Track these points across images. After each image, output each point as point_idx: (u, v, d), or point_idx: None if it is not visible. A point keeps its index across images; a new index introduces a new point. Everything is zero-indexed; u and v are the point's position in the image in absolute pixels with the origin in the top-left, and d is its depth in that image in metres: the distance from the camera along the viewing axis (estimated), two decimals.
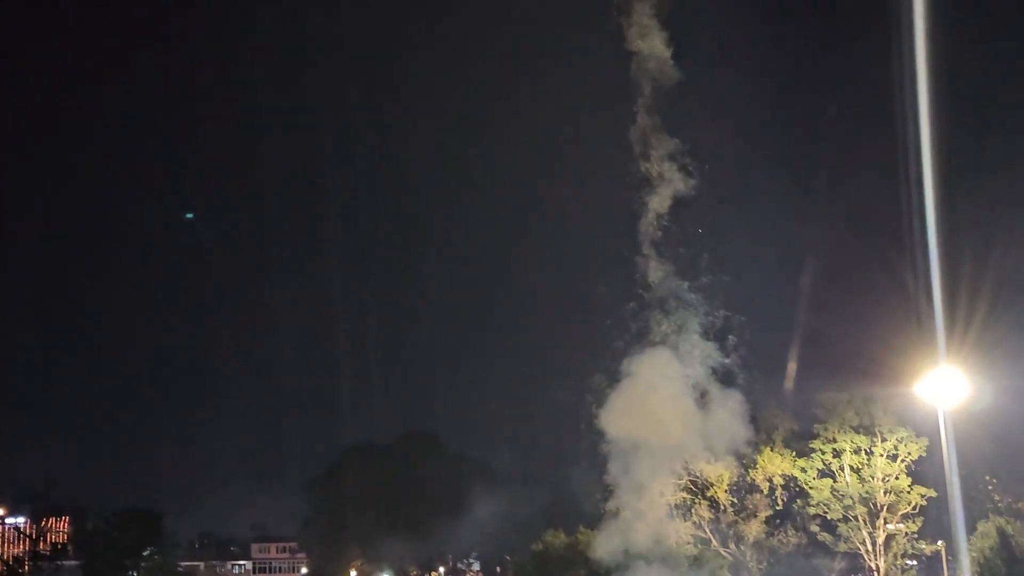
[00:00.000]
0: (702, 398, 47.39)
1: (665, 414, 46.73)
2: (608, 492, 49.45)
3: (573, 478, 55.99)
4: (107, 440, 62.50)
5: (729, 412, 47.46)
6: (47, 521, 74.43)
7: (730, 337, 48.82)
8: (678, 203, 49.48)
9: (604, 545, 48.02)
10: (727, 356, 48.38)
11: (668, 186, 49.35)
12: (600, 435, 50.62)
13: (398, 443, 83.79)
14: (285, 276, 64.46)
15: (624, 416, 47.12)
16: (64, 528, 79.23)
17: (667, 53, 48.67)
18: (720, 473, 55.43)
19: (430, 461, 78.19)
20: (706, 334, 48.50)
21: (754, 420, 53.23)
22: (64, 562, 71.13)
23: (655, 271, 49.57)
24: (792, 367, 53.57)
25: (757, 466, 56.55)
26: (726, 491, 56.30)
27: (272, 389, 63.00)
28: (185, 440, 62.62)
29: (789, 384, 55.28)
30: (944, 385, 44.23)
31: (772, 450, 57.04)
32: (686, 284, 48.88)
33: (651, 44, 48.93)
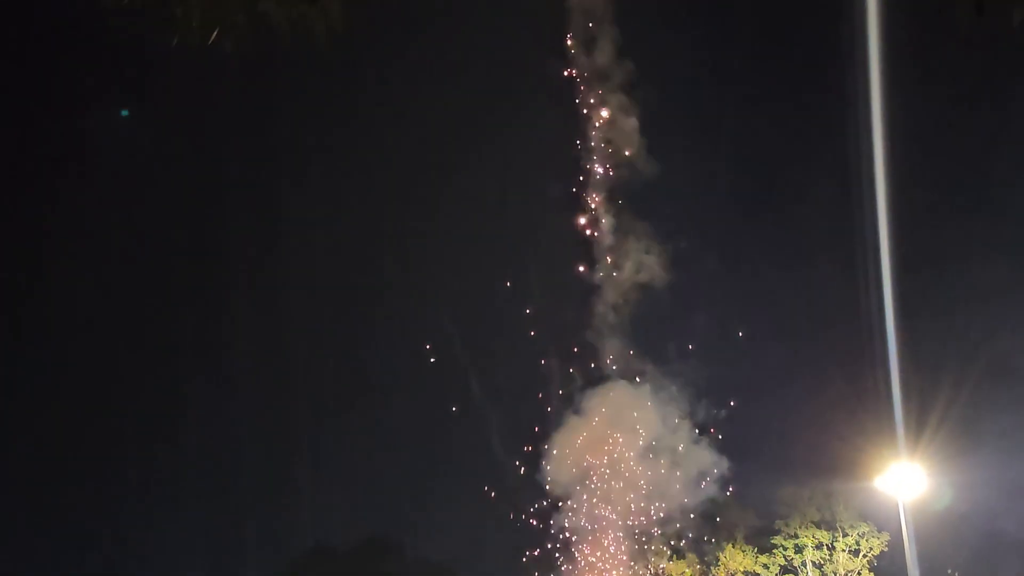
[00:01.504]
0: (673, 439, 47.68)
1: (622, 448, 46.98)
2: None
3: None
4: (65, 537, 60.40)
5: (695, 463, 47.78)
6: None
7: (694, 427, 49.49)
8: (641, 287, 50.52)
9: None
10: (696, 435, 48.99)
11: (631, 270, 50.43)
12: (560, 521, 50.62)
13: (359, 548, 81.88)
14: (237, 377, 63.64)
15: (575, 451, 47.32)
16: None
17: (636, 137, 50.28)
18: (682, 570, 55.37)
19: (392, 568, 76.53)
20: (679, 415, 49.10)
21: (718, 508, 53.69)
22: None
23: (612, 351, 50.33)
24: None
25: (719, 563, 56.32)
26: None
27: (230, 486, 61.76)
28: (144, 539, 60.72)
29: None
30: (904, 479, 44.77)
31: (734, 546, 56.85)
32: (649, 366, 49.66)
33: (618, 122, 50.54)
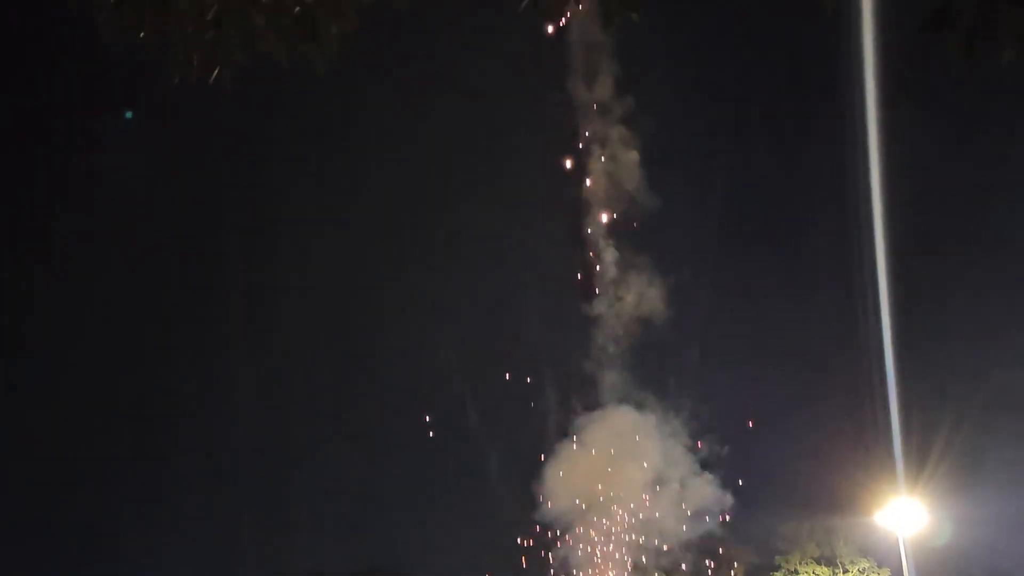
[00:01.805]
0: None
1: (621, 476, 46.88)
2: None
3: None
4: (60, 555, 60.04)
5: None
6: None
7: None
8: (641, 319, 50.61)
9: None
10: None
11: (631, 303, 50.60)
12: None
13: None
14: (237, 405, 63.57)
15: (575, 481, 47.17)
16: None
17: (636, 170, 50.57)
18: None
19: None
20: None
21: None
22: None
23: (612, 382, 50.38)
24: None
25: None
26: None
27: (228, 513, 61.50)
28: (139, 568, 60.33)
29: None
30: (904, 514, 44.67)
31: None
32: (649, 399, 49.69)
33: (617, 160, 50.87)
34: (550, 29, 45.30)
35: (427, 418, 54.62)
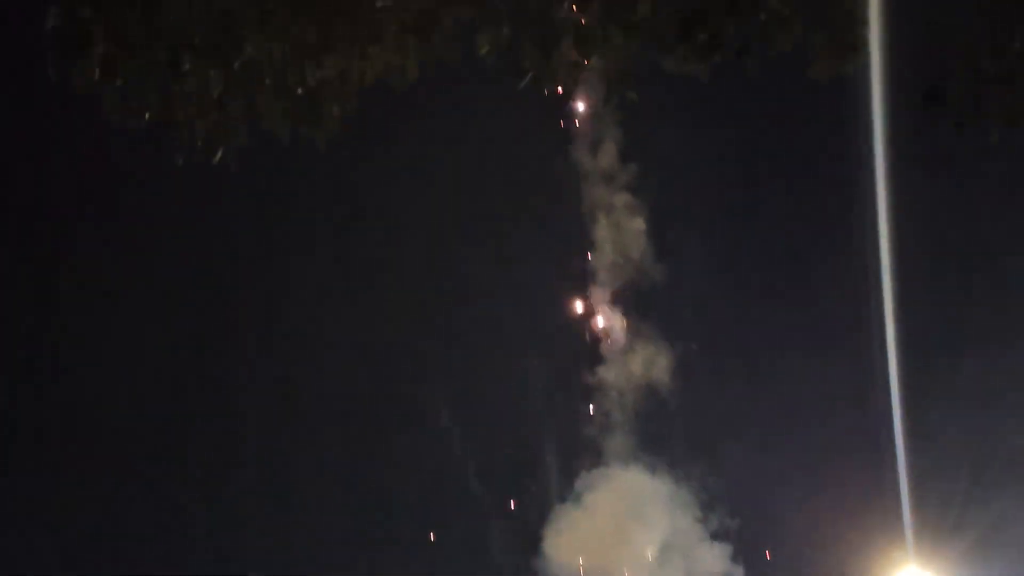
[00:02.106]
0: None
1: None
2: None
3: None
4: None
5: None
6: None
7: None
8: (647, 387, 50.66)
9: None
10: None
11: (636, 371, 50.72)
12: None
13: None
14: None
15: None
16: None
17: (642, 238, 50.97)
18: None
19: None
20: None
21: None
22: None
23: (616, 449, 50.28)
24: None
25: None
26: None
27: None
28: None
29: None
30: None
31: None
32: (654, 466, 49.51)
33: (621, 227, 51.34)
34: (559, 121, 46.23)
35: (425, 480, 54.42)
